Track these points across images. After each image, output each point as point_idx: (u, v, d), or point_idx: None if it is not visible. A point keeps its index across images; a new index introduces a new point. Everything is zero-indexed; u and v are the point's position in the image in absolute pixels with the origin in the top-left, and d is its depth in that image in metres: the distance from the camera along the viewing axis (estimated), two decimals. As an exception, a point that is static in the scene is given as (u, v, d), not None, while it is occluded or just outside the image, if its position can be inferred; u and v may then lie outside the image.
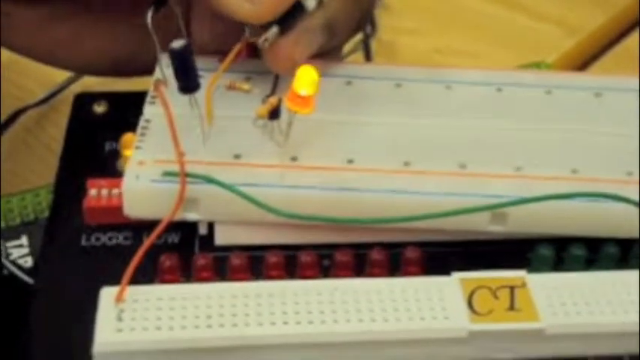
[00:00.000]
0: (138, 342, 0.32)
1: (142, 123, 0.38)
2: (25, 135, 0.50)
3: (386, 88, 0.41)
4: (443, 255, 0.37)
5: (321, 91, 0.36)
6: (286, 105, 0.35)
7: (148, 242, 0.34)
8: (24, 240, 0.42)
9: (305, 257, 0.36)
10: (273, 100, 0.36)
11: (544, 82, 0.41)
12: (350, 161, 0.37)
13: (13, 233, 0.42)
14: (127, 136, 0.38)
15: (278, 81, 0.40)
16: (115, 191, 0.37)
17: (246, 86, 0.38)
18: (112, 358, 0.32)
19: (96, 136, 0.42)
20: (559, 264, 0.36)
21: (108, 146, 0.41)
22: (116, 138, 0.39)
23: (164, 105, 0.36)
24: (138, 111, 0.39)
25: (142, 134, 0.38)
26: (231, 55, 0.38)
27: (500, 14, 0.58)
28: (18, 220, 0.43)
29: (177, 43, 0.34)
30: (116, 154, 0.40)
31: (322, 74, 0.36)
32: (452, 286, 0.34)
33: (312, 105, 0.35)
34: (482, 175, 0.37)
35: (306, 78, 0.35)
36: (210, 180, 0.35)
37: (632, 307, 0.33)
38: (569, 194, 0.35)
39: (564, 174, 0.37)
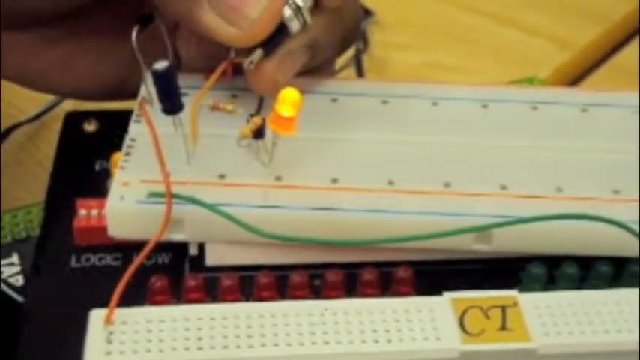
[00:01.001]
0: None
1: (126, 142, 0.38)
2: (17, 152, 0.50)
3: (372, 105, 0.41)
4: (434, 273, 0.37)
5: (307, 109, 0.36)
6: (269, 126, 0.35)
7: (135, 263, 0.34)
8: (15, 258, 0.42)
9: (296, 277, 0.36)
10: (257, 119, 0.36)
11: (530, 98, 0.41)
12: (334, 180, 0.37)
13: (5, 251, 0.42)
14: (117, 156, 0.38)
15: (263, 99, 0.40)
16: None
17: (229, 106, 0.38)
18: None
19: (86, 155, 0.42)
20: (551, 282, 0.36)
21: (98, 165, 0.41)
22: (107, 157, 0.39)
23: (149, 124, 0.36)
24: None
25: (127, 154, 0.38)
26: (215, 75, 0.38)
27: (493, 29, 0.58)
28: (9, 238, 0.43)
29: (160, 65, 0.34)
30: (106, 173, 0.40)
31: (308, 91, 0.36)
32: (443, 306, 0.34)
33: (294, 127, 0.35)
34: (466, 195, 0.37)
35: (288, 99, 0.34)
36: (194, 201, 0.35)
37: (631, 325, 0.33)
38: (550, 216, 0.35)
39: (549, 193, 0.37)
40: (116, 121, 0.41)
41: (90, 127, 0.43)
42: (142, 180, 0.36)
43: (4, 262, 0.42)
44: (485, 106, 0.41)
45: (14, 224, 0.43)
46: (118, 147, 0.39)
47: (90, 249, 0.38)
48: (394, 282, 0.36)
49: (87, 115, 0.44)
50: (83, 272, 0.37)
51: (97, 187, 0.40)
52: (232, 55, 0.38)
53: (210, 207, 0.35)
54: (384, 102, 0.41)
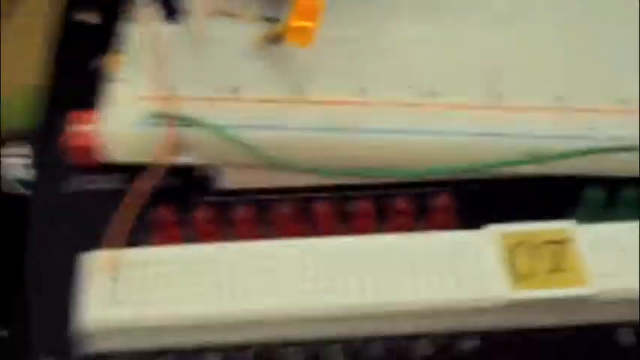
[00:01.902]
0: (135, 318, 0.28)
1: (122, 45, 0.33)
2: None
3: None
4: (475, 194, 0.32)
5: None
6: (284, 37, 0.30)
7: (137, 195, 0.30)
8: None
9: (320, 207, 0.31)
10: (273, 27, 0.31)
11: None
12: (363, 91, 0.32)
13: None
14: (112, 58, 0.33)
15: None
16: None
17: (239, 11, 0.33)
18: (106, 336, 0.28)
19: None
20: (612, 206, 0.32)
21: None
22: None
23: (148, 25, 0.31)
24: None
25: (123, 61, 0.33)
26: None
27: None
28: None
29: None
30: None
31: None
32: (487, 242, 0.29)
33: (312, 37, 0.30)
34: (519, 109, 0.32)
35: (305, 7, 0.29)
36: (202, 124, 0.30)
37: None
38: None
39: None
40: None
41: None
42: (140, 96, 0.32)
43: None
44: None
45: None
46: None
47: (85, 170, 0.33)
48: (431, 209, 0.32)
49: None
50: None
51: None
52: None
53: (223, 132, 0.30)
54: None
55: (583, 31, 0.34)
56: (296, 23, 0.30)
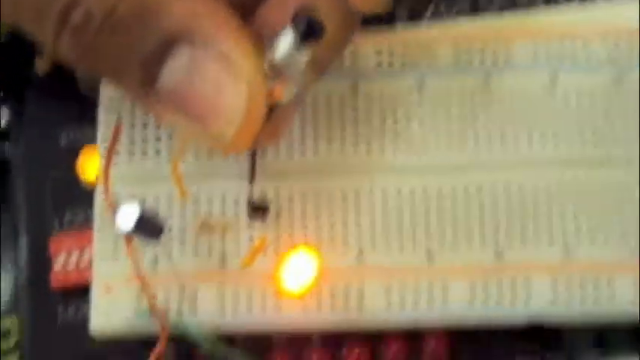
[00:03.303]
0: None
1: (96, 221, 0.32)
2: None
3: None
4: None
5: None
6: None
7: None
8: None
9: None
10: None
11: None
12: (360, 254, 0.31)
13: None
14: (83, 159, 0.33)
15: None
16: (87, 254, 0.32)
17: (220, 227, 0.32)
18: None
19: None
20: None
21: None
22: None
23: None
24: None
25: (100, 238, 0.32)
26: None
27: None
28: None
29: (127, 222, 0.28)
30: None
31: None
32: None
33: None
34: (521, 269, 0.31)
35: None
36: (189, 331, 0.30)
37: None
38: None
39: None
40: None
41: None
42: (127, 279, 0.31)
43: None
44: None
45: None
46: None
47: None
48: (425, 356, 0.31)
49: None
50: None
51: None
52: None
53: (205, 340, 0.30)
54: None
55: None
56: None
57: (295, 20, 0.26)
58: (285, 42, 0.27)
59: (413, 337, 0.32)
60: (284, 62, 0.28)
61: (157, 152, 0.32)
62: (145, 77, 0.28)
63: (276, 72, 0.28)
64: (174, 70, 0.27)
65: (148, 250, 0.31)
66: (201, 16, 0.27)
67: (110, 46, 0.27)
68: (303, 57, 0.27)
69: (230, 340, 0.31)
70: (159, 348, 0.30)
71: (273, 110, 0.29)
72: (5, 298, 0.34)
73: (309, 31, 0.26)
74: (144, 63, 0.27)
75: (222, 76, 0.27)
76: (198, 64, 0.27)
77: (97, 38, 0.27)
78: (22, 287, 0.33)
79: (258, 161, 0.31)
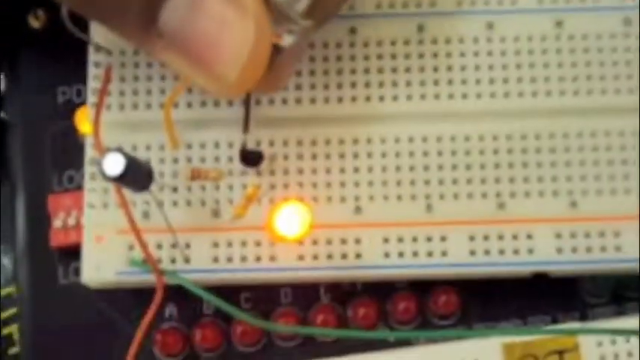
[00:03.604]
0: None
1: (87, 170, 0.31)
2: None
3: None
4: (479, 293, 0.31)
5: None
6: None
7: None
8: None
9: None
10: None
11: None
12: (358, 210, 0.30)
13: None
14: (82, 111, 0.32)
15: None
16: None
17: (213, 173, 0.30)
18: None
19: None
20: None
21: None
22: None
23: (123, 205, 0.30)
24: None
25: (92, 188, 0.31)
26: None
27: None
28: None
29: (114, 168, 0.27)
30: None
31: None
32: (494, 353, 0.28)
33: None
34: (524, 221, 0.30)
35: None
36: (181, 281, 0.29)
37: None
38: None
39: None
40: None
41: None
42: (118, 230, 0.30)
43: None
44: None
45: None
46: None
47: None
48: (434, 307, 0.31)
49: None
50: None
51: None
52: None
53: (199, 291, 0.29)
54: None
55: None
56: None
57: None
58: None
59: (422, 293, 0.31)
60: (286, 2, 0.27)
61: (148, 105, 0.31)
62: (145, 17, 0.26)
63: (278, 13, 0.27)
64: (176, 6, 0.26)
65: (138, 200, 0.30)
66: None
67: None
68: None
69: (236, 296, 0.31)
70: (157, 299, 0.29)
71: (274, 56, 0.27)
72: (7, 268, 0.33)
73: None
74: (143, 1, 0.26)
75: (228, 12, 0.26)
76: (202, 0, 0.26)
77: None
78: (21, 249, 0.32)
79: (253, 108, 0.31)
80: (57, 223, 0.32)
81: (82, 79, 0.32)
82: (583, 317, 0.31)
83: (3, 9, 0.33)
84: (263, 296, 0.32)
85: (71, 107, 0.33)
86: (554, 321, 0.31)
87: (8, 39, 0.34)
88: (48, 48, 0.33)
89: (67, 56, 0.33)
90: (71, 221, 0.31)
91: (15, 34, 0.34)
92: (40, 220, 0.32)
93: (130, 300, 0.32)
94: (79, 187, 0.32)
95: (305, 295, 0.32)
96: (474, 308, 0.31)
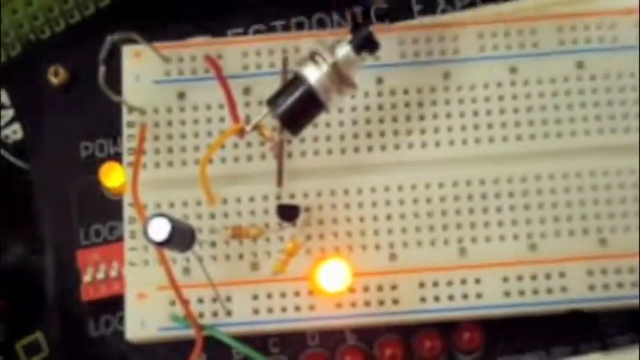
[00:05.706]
0: None
1: (126, 230, 0.32)
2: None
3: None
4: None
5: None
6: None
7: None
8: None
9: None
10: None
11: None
12: (393, 257, 0.31)
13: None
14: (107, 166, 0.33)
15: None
16: (114, 269, 0.32)
17: (253, 231, 0.31)
18: None
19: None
20: None
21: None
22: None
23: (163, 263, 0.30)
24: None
25: (132, 247, 0.32)
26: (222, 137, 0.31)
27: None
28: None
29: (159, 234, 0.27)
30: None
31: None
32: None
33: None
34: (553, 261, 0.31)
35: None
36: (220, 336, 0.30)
37: None
38: None
39: None
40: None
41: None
42: (159, 286, 0.31)
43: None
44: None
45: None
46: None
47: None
48: (459, 343, 0.32)
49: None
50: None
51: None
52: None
53: (233, 342, 0.30)
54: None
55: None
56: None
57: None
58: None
59: (446, 331, 0.32)
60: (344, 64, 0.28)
61: (183, 162, 0.32)
62: None
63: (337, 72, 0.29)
64: None
65: (178, 256, 0.31)
66: None
67: None
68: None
69: (264, 341, 0.32)
70: (196, 351, 0.29)
71: None
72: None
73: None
74: None
75: None
76: None
77: None
78: (50, 302, 0.33)
79: (285, 161, 0.31)
80: (86, 278, 0.32)
81: (105, 134, 0.32)
82: (604, 347, 0.32)
83: (23, 67, 0.34)
84: (290, 339, 0.32)
85: (94, 162, 0.33)
86: (576, 351, 0.32)
87: (30, 96, 0.34)
88: (69, 103, 0.34)
89: (89, 112, 0.33)
90: (100, 275, 0.32)
91: (37, 91, 0.34)
92: (69, 275, 0.33)
93: (162, 350, 0.32)
94: (106, 241, 0.32)
95: (331, 336, 0.32)
96: (497, 343, 0.32)
